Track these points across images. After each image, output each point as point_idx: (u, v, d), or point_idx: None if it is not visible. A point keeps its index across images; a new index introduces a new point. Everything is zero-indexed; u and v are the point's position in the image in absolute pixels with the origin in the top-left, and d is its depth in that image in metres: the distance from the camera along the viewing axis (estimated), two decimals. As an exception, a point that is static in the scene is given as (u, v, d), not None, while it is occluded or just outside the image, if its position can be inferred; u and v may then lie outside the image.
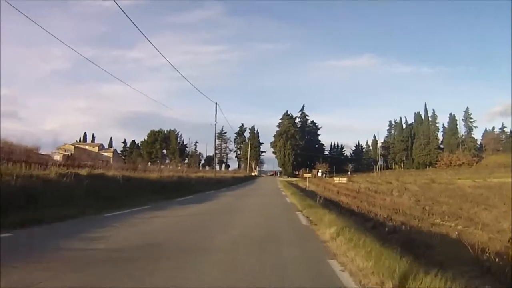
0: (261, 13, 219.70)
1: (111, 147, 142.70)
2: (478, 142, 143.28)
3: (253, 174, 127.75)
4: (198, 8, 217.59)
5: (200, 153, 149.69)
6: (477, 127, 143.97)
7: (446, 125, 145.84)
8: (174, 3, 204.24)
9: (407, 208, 31.47)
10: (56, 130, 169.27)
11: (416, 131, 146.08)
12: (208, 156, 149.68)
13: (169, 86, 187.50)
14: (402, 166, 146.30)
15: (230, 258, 7.53)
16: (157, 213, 14.94)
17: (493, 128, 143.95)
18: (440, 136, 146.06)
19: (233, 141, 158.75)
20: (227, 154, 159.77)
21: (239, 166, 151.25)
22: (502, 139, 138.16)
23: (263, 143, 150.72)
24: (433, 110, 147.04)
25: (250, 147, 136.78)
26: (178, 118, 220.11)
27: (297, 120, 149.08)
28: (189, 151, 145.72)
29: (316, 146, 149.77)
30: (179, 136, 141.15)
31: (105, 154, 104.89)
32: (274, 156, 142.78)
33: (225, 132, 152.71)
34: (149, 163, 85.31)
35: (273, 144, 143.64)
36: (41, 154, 36.31)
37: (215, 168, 62.22)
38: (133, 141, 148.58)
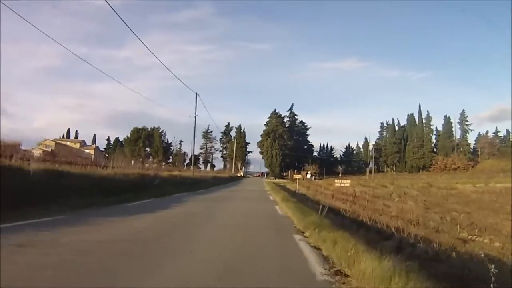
0: (249, 13, 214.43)
1: (95, 144, 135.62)
2: (471, 146, 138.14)
3: (238, 174, 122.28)
4: (186, 7, 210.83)
5: (185, 152, 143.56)
6: (473, 130, 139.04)
7: (440, 128, 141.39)
8: (162, 3, 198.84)
9: (417, 216, 26.34)
10: (43, 128, 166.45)
11: (409, 133, 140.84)
12: (193, 155, 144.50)
13: (158, 85, 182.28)
14: (394, 169, 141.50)
15: None
16: (46, 234, 8.58)
17: (487, 132, 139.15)
18: (433, 139, 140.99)
19: (219, 141, 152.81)
20: (212, 154, 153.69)
21: (224, 166, 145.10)
22: (496, 144, 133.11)
23: (249, 143, 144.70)
24: (428, 111, 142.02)
25: (236, 146, 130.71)
26: (166, 117, 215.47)
27: (286, 119, 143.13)
28: (173, 150, 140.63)
29: (305, 147, 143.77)
30: (163, 134, 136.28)
31: (87, 151, 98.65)
32: (261, 156, 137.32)
33: (211, 131, 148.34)
34: (132, 161, 79.53)
35: (260, 144, 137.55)
36: (23, 149, 35.66)
37: (193, 166, 55.72)
38: (117, 139, 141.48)
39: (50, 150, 61.31)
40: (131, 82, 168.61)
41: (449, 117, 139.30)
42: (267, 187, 49.64)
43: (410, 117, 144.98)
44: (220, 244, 8.83)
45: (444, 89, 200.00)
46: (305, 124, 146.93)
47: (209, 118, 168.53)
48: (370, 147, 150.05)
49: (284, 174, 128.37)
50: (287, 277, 5.95)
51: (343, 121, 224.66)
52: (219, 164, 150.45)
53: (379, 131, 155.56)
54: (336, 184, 27.54)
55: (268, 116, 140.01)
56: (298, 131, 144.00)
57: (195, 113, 50.35)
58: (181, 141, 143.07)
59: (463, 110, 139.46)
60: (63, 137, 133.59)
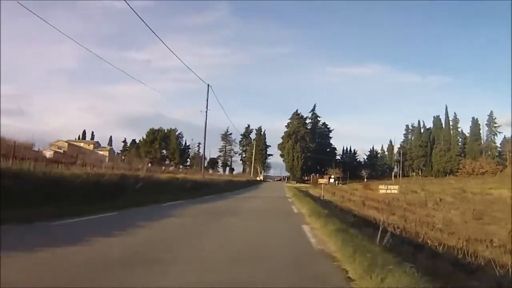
0: (267, 17, 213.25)
1: (111, 145, 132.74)
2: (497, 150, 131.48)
3: (258, 178, 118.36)
4: (205, 10, 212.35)
5: (203, 154, 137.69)
6: (501, 132, 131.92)
7: (465, 130, 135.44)
8: (179, 6, 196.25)
9: (473, 230, 22.10)
10: (60, 129, 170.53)
11: (435, 136, 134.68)
12: (212, 158, 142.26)
13: (175, 88, 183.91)
14: (420, 174, 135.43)
15: None
16: None
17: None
18: (460, 142, 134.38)
19: (238, 143, 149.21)
20: (231, 157, 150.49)
21: (244, 170, 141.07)
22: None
23: (270, 146, 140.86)
24: (455, 113, 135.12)
25: (256, 149, 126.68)
26: (184, 120, 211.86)
27: (308, 121, 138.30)
28: (191, 153, 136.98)
29: (328, 150, 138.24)
30: (180, 136, 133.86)
31: (101, 152, 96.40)
32: (281, 160, 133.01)
33: (230, 134, 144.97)
34: (149, 163, 76.43)
35: (281, 146, 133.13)
36: (34, 150, 36.05)
37: (203, 168, 51.33)
38: (133, 141, 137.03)
39: (62, 151, 58.68)
40: (150, 84, 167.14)
41: (477, 119, 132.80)
42: (288, 193, 45.33)
43: (436, 119, 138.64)
44: None
45: (469, 91, 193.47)
46: (328, 126, 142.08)
47: (228, 120, 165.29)
48: (395, 150, 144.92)
49: (306, 178, 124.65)
50: None
51: (366, 125, 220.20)
52: (238, 168, 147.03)
53: (404, 134, 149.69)
54: (381, 191, 23.00)
55: (290, 117, 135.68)
56: (320, 133, 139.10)
57: (207, 107, 46.05)
58: (199, 143, 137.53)
59: (491, 111, 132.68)
60: (78, 138, 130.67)
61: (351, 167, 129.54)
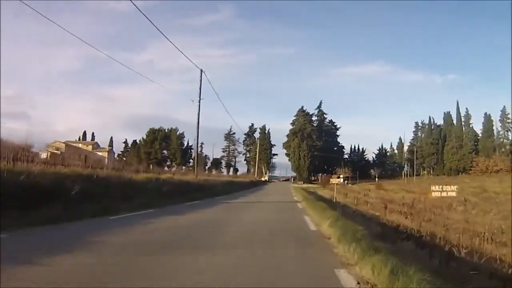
0: (271, 18, 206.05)
1: (111, 146, 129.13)
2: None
3: (263, 179, 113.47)
4: (208, 11, 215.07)
5: (206, 155, 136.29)
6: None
7: (476, 127, 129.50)
8: (182, 7, 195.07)
9: None
10: (62, 131, 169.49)
11: (447, 133, 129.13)
12: (215, 158, 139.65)
13: (179, 89, 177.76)
14: (432, 172, 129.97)
15: None
16: None
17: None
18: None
19: (242, 143, 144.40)
20: (235, 157, 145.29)
21: (248, 170, 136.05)
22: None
23: (274, 145, 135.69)
24: (466, 109, 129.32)
25: (260, 148, 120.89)
26: (187, 121, 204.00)
27: (314, 118, 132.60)
28: (193, 153, 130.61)
29: (335, 148, 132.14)
30: (181, 136, 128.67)
31: (100, 153, 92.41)
32: (286, 160, 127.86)
33: (234, 133, 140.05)
34: (151, 165, 72.26)
35: (287, 144, 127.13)
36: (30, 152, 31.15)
37: (196, 167, 45.70)
38: (134, 141, 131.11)
39: (59, 153, 55.25)
40: (151, 85, 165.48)
41: (489, 114, 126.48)
42: (296, 195, 39.40)
43: (447, 115, 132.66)
44: None
45: (480, 86, 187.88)
46: (335, 124, 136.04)
47: (230, 119, 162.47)
48: (405, 148, 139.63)
49: (313, 178, 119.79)
50: None
51: (373, 124, 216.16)
52: (243, 169, 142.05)
53: (413, 131, 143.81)
54: (433, 194, 18.20)
55: (295, 114, 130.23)
56: (327, 131, 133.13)
57: (199, 96, 40.98)
58: (202, 143, 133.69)
59: (504, 106, 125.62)
60: (79, 139, 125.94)
61: (359, 167, 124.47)
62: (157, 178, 27.62)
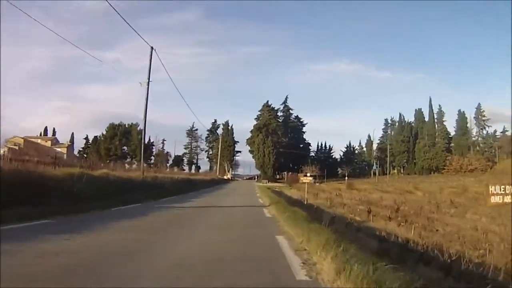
0: (239, 16, 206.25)
1: (72, 143, 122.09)
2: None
3: (225, 177, 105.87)
4: (178, 10, 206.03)
5: (168, 152, 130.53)
6: (490, 126, 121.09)
7: (451, 125, 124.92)
8: (153, 5, 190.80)
9: None
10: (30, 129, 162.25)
11: (419, 131, 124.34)
12: (177, 155, 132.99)
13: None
14: (402, 171, 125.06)
15: None
16: None
17: (504, 129, 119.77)
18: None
19: (205, 139, 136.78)
20: (197, 154, 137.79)
21: (210, 168, 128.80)
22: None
23: (238, 142, 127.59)
24: (439, 106, 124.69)
25: (223, 144, 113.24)
26: (151, 119, 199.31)
27: (279, 114, 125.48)
28: (155, 150, 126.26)
29: (301, 145, 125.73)
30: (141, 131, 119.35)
31: (59, 149, 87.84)
32: (251, 158, 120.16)
33: (196, 129, 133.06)
34: (111, 162, 69.39)
35: (250, 141, 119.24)
36: None
37: (142, 163, 36.93)
38: (95, 137, 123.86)
39: (17, 148, 57.58)
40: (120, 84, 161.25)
41: (463, 111, 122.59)
42: (262, 197, 31.88)
43: (419, 112, 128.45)
44: None
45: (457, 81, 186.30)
46: (301, 120, 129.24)
47: (194, 117, 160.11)
48: (374, 146, 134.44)
49: (278, 176, 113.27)
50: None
51: (341, 120, 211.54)
52: (206, 166, 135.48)
53: (383, 129, 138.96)
54: (493, 199, 11.75)
55: (260, 109, 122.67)
56: (293, 127, 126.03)
57: (149, 77, 32.87)
58: (163, 140, 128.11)
59: (479, 104, 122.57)
60: (40, 135, 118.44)
61: (326, 165, 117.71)
62: (87, 174, 19.53)
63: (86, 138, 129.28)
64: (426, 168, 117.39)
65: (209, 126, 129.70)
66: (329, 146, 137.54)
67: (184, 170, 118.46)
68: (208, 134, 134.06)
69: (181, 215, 16.74)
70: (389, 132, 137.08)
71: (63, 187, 16.04)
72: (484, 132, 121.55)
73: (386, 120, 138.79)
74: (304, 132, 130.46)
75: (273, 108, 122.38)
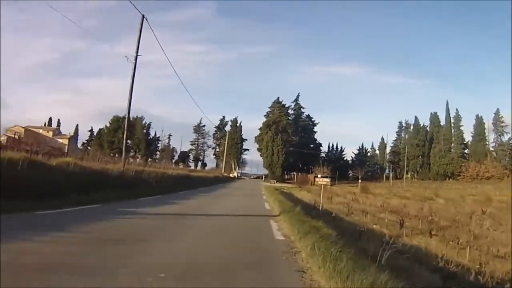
0: (248, 16, 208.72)
1: (77, 134, 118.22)
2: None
3: (231, 175, 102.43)
4: (186, 7, 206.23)
5: (173, 147, 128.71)
6: (509, 133, 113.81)
7: (468, 129, 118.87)
8: (161, 3, 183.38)
9: None
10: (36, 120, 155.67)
11: (434, 135, 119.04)
12: (182, 151, 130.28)
13: (155, 83, 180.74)
14: (416, 176, 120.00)
15: None
16: None
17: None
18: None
19: (212, 136, 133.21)
20: (204, 151, 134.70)
21: (217, 165, 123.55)
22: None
23: (246, 140, 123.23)
24: (457, 110, 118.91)
25: (230, 142, 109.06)
26: (158, 114, 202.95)
27: (290, 111, 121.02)
28: (161, 145, 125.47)
29: (312, 145, 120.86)
30: (146, 126, 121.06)
31: (60, 140, 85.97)
32: (259, 157, 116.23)
33: (203, 126, 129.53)
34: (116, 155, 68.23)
35: (259, 138, 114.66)
36: None
37: (124, 153, 30.77)
38: (100, 130, 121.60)
39: (17, 137, 54.22)
40: (126, 79, 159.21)
41: (481, 116, 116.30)
42: (269, 201, 25.70)
43: (434, 116, 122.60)
44: None
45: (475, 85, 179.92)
46: (313, 119, 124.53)
47: (202, 114, 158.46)
48: (388, 149, 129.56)
49: (287, 176, 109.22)
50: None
51: (353, 120, 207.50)
52: (212, 164, 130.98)
53: (396, 132, 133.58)
54: None
55: (270, 106, 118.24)
56: (304, 126, 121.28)
57: (137, 52, 28.44)
58: (170, 135, 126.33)
59: (497, 109, 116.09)
60: (44, 125, 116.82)
61: (337, 167, 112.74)
62: (34, 161, 15.08)
63: (91, 131, 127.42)
64: (441, 173, 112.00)
65: (217, 122, 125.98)
66: (341, 147, 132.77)
67: (189, 166, 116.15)
68: (215, 130, 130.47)
69: (119, 234, 9.00)
70: (403, 135, 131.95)
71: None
72: (503, 138, 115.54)
73: (400, 123, 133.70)
74: (315, 132, 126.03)
75: (284, 105, 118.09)
